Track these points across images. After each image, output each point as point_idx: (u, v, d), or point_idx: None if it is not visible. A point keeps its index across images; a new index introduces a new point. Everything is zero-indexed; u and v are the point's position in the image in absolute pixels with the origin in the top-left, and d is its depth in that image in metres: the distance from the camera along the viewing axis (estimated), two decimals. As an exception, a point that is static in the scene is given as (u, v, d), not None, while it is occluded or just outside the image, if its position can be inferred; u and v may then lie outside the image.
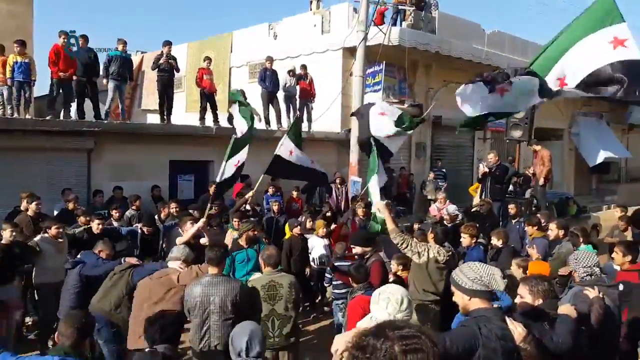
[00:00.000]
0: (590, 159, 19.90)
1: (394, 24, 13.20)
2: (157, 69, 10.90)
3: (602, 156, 19.46)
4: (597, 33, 4.79)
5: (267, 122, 12.48)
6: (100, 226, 6.79)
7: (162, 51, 10.99)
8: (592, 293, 3.83)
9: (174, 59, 11.14)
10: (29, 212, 7.07)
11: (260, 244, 6.61)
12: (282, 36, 15.62)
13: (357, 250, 5.58)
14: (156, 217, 8.05)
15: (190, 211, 7.91)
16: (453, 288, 2.77)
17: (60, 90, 9.74)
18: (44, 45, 12.39)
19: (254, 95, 12.46)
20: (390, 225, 5.13)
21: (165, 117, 11.12)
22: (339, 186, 11.53)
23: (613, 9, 4.82)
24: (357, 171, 11.59)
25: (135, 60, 18.29)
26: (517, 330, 2.63)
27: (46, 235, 6.26)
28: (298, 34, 15.01)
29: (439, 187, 12.77)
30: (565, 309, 3.47)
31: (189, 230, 6.34)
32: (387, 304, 3.03)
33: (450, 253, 5.23)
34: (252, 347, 2.96)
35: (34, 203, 7.08)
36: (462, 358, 2.41)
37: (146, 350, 3.06)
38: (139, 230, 7.42)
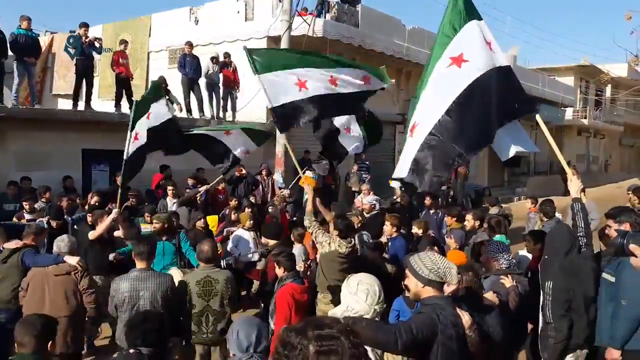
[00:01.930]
0: (503, 153, 21.15)
1: (319, 15, 13.22)
2: (74, 50, 10.24)
3: (513, 150, 20.76)
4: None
5: (189, 110, 12.10)
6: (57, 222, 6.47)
7: (78, 33, 10.30)
8: (507, 282, 4.03)
9: (99, 40, 10.55)
10: None
11: (179, 238, 6.43)
12: (204, 21, 15.16)
13: (264, 241, 5.90)
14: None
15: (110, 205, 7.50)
16: (408, 272, 2.80)
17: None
18: None
19: (175, 82, 12.01)
20: (308, 207, 5.40)
21: (85, 103, 10.48)
22: (265, 178, 11.43)
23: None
24: (283, 162, 11.56)
25: (45, 40, 17.00)
26: (464, 318, 2.71)
27: None
28: (221, 20, 14.63)
29: (363, 179, 13.02)
30: (489, 296, 3.60)
31: (98, 227, 5.99)
32: (366, 295, 2.97)
33: (352, 245, 5.35)
34: (261, 341, 2.84)
35: None
36: (426, 343, 2.50)
37: (130, 351, 2.85)
38: (46, 224, 6.91)
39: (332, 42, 13.17)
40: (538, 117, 4.52)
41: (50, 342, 2.89)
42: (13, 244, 5.01)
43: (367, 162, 14.33)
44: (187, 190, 9.22)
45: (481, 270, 4.56)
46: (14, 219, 7.19)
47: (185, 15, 15.53)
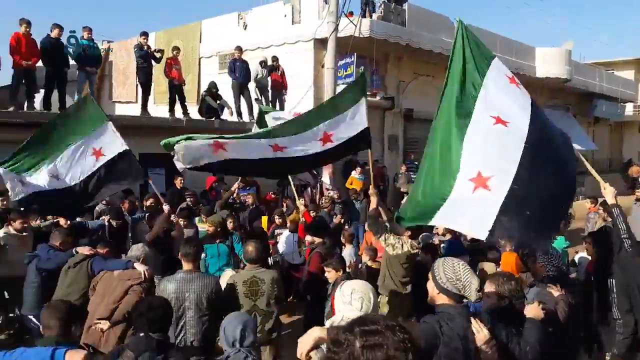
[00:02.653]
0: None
1: (364, 16, 13.21)
2: (140, 59, 10.81)
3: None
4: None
5: (239, 114, 12.35)
6: (67, 220, 6.64)
7: (139, 41, 10.80)
8: (555, 291, 3.78)
9: (162, 51, 11.19)
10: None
11: (232, 239, 6.58)
12: (252, 26, 15.44)
13: (309, 238, 5.86)
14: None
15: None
16: (430, 275, 2.75)
17: (23, 81, 9.38)
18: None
19: (225, 87, 12.30)
20: (371, 212, 5.27)
21: (142, 108, 11.05)
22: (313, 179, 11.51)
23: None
24: (332, 164, 11.61)
25: (103, 49, 17.80)
26: (482, 332, 2.58)
27: (10, 228, 6.10)
28: (268, 24, 14.86)
29: (412, 179, 12.89)
30: (533, 310, 3.24)
31: (154, 228, 6.22)
32: (361, 303, 2.92)
33: (420, 246, 5.32)
34: (246, 336, 2.92)
35: None
36: (424, 354, 2.38)
37: (140, 335, 2.99)
38: (107, 224, 7.24)
39: (379, 41, 13.12)
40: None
41: (73, 327, 3.03)
42: (86, 250, 5.13)
43: (416, 163, 14.17)
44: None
45: (526, 277, 4.41)
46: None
47: (234, 21, 15.87)
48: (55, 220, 6.77)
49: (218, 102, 11.69)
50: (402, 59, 15.38)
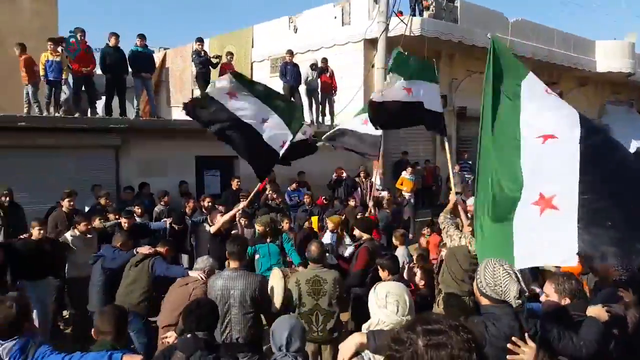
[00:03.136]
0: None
1: (414, 14, 13.08)
2: (199, 65, 11.16)
3: (634, 146, 19.01)
4: None
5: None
6: (128, 222, 6.96)
7: (196, 48, 11.16)
8: (627, 295, 3.53)
9: (219, 57, 11.52)
10: (64, 208, 7.27)
11: (282, 239, 6.67)
12: (303, 29, 15.60)
13: (355, 232, 6.00)
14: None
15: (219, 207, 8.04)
16: (475, 276, 2.76)
17: (83, 87, 9.90)
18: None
19: (276, 90, 12.47)
20: (448, 206, 5.38)
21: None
22: (363, 180, 11.51)
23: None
24: (381, 164, 11.56)
25: (158, 57, 18.48)
26: (526, 349, 2.48)
27: (75, 231, 6.40)
28: (318, 27, 14.97)
29: (465, 179, 12.64)
30: (596, 310, 3.16)
31: (218, 221, 6.44)
32: (397, 306, 2.80)
33: None
34: (292, 342, 2.96)
35: (66, 200, 7.28)
36: None
37: (188, 336, 3.08)
38: (168, 226, 7.52)
39: (431, 40, 12.94)
40: None
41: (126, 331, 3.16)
42: (146, 249, 5.36)
43: (470, 162, 13.89)
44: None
45: (588, 279, 4.22)
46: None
47: (285, 25, 16.09)
48: (118, 221, 7.09)
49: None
50: (454, 57, 15.11)
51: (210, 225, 6.93)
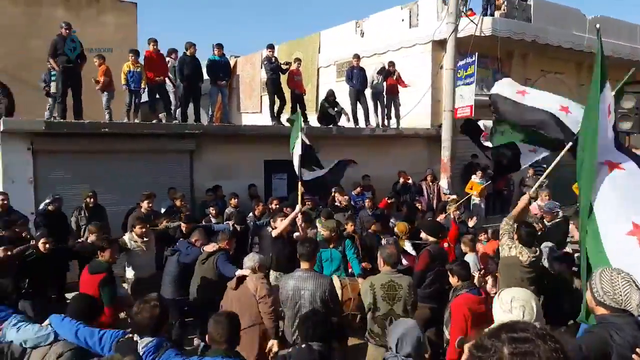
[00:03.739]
0: None
1: (485, 14, 12.73)
2: (270, 71, 11.44)
3: None
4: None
5: (356, 121, 12.53)
6: (187, 227, 7.10)
7: (267, 54, 11.46)
8: None
9: (289, 63, 11.74)
10: (142, 209, 7.70)
11: (345, 245, 6.66)
12: (369, 33, 15.59)
13: (422, 235, 5.95)
14: (250, 214, 8.40)
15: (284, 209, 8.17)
16: (588, 284, 2.68)
17: (157, 95, 10.42)
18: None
19: (342, 94, 12.56)
20: (514, 212, 5.15)
21: (276, 118, 11.65)
22: (430, 184, 11.31)
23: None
24: (449, 168, 11.33)
25: (230, 63, 19.12)
26: None
27: (133, 234, 6.41)
28: (385, 30, 14.90)
29: (540, 184, 12.08)
30: None
31: (279, 225, 6.56)
32: (522, 312, 2.75)
33: (537, 255, 4.97)
34: (403, 345, 2.93)
35: (145, 201, 7.71)
36: None
37: (302, 346, 3.09)
38: (231, 228, 7.71)
39: (503, 40, 12.54)
40: None
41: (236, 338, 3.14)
42: (210, 247, 5.65)
43: (544, 166, 13.26)
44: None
45: None
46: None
47: (352, 29, 16.15)
48: (179, 223, 7.32)
49: (335, 109, 11.99)
50: (527, 57, 14.54)
51: (272, 228, 7.09)
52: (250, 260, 4.99)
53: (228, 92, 11.79)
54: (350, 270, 6.58)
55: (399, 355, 2.92)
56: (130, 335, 3.08)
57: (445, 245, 7.12)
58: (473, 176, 11.93)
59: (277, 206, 8.35)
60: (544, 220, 8.00)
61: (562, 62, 14.88)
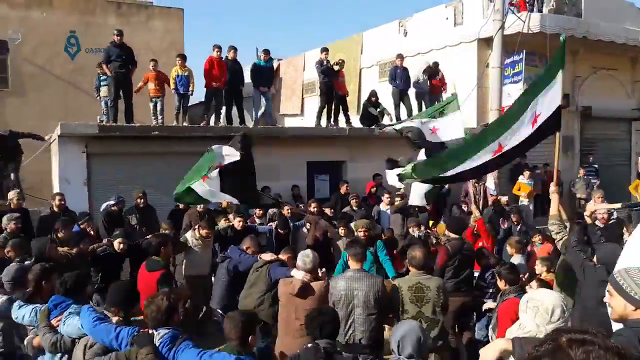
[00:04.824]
0: None
1: (532, 10, 12.39)
2: (321, 74, 11.51)
3: None
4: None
5: (399, 120, 12.43)
6: (242, 224, 7.27)
7: (320, 58, 11.56)
8: None
9: (340, 63, 11.78)
10: (198, 208, 8.08)
11: (377, 246, 6.61)
12: (413, 32, 15.44)
13: (446, 232, 6.08)
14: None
15: (325, 210, 8.23)
16: (612, 290, 2.47)
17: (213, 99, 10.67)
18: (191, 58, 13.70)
19: (385, 94, 12.50)
20: (553, 211, 4.83)
21: (332, 119, 11.67)
22: (476, 184, 11.08)
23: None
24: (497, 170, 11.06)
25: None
26: None
27: (196, 233, 6.59)
28: (429, 29, 14.73)
29: (591, 184, 11.67)
30: None
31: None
32: (535, 313, 2.72)
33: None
34: (404, 346, 2.96)
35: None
36: None
37: (309, 345, 3.17)
38: (274, 230, 7.76)
39: (552, 36, 12.16)
40: None
41: (251, 337, 3.22)
42: (268, 256, 5.51)
43: (596, 165, 12.81)
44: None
45: None
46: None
47: (394, 29, 16.04)
48: (231, 224, 7.45)
49: (378, 109, 11.94)
50: (577, 53, 14.04)
51: (308, 230, 7.12)
52: (308, 257, 4.75)
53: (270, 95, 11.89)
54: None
55: (401, 357, 2.92)
56: (146, 329, 3.24)
57: (480, 244, 7.08)
58: (520, 177, 11.62)
59: (316, 209, 8.33)
60: (596, 223, 7.70)
61: (614, 58, 14.29)
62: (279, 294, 4.78)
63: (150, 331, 3.18)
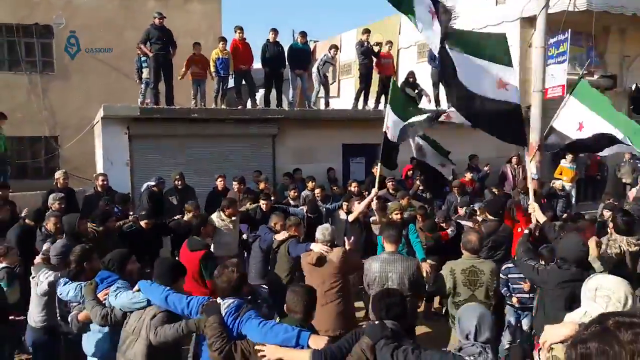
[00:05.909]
0: None
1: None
2: (361, 56, 11.42)
3: None
4: (488, 63, 5.25)
5: (437, 102, 12.21)
6: (267, 204, 7.34)
7: (361, 39, 11.43)
8: None
9: (380, 44, 11.72)
10: (236, 190, 8.26)
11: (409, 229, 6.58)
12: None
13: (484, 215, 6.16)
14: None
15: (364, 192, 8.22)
16: None
17: (243, 81, 10.70)
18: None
19: (424, 76, 12.28)
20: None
21: (363, 102, 11.64)
22: (515, 166, 10.85)
23: (507, 51, 5.44)
24: (540, 151, 10.76)
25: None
26: None
27: (221, 214, 6.66)
28: (470, 8, 14.25)
29: (638, 169, 11.22)
30: None
31: (356, 209, 6.58)
32: (606, 303, 2.60)
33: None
34: (482, 331, 2.83)
35: (236, 184, 8.32)
36: None
37: (376, 322, 3.15)
38: (305, 214, 7.70)
39: (598, 14, 11.63)
40: None
41: (312, 311, 3.31)
42: (281, 235, 5.70)
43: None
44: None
45: None
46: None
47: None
48: (258, 205, 7.50)
49: (416, 91, 11.75)
50: (625, 32, 13.41)
51: (345, 212, 7.10)
52: (327, 230, 4.98)
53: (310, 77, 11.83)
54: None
55: (477, 343, 2.78)
56: (214, 299, 3.43)
57: (519, 229, 6.92)
58: (562, 160, 11.28)
59: (357, 189, 8.37)
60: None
61: (667, 36, 13.60)
62: (302, 267, 4.96)
63: (218, 300, 3.36)
